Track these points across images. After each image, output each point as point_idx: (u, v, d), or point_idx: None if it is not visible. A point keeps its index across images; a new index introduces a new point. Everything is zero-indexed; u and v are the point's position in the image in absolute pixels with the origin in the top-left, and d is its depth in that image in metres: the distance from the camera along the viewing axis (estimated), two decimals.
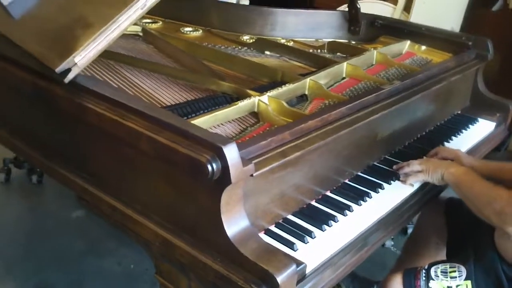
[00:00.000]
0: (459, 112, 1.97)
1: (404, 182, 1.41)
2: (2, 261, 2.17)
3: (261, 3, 2.27)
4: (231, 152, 0.93)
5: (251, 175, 0.99)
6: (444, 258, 1.55)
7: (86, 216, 2.43)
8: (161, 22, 2.20)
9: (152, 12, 2.23)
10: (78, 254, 2.21)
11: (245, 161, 0.97)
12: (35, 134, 1.44)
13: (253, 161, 1.01)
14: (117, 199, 1.18)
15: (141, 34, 2.00)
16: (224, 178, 0.93)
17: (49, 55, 1.19)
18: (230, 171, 0.92)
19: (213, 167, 0.92)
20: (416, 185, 1.42)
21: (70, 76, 1.15)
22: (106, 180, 1.22)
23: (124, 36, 1.94)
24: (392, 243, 2.41)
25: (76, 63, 1.15)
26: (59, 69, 1.14)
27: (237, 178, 0.94)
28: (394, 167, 1.46)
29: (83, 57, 1.15)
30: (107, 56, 1.66)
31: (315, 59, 1.86)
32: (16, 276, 2.08)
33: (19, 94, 1.43)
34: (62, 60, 1.15)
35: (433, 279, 1.27)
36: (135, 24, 2.01)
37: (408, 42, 2.10)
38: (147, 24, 2.13)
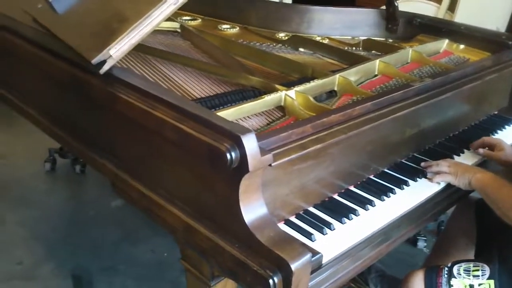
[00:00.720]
0: (495, 112, 1.92)
1: (430, 180, 1.40)
2: (44, 244, 2.30)
3: (304, 1, 2.30)
4: (250, 142, 0.96)
5: (270, 165, 1.02)
6: (473, 258, 1.53)
7: (124, 206, 2.53)
8: (200, 20, 2.26)
9: (192, 10, 2.30)
10: (114, 241, 2.31)
11: (263, 151, 1.00)
12: (73, 122, 1.52)
13: (273, 152, 1.04)
14: (145, 185, 1.23)
15: (179, 30, 2.06)
16: (242, 167, 0.97)
17: (87, 47, 1.26)
18: (248, 160, 0.95)
19: (231, 155, 0.95)
20: (443, 184, 1.41)
21: (105, 67, 1.21)
22: (135, 166, 1.28)
23: (163, 32, 2.03)
24: (425, 244, 2.39)
25: (111, 55, 1.21)
26: (95, 60, 1.21)
27: (254, 167, 0.97)
28: (422, 164, 1.46)
29: (117, 50, 1.21)
30: (144, 50, 1.74)
31: (347, 56, 1.87)
32: (55, 259, 2.20)
33: (60, 85, 1.51)
34: (98, 52, 1.21)
35: (455, 277, 1.27)
36: (174, 21, 2.09)
37: (446, 40, 2.08)
38: (186, 21, 2.20)
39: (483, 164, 1.59)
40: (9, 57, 1.75)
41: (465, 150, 1.60)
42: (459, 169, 1.39)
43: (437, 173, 1.41)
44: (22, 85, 1.79)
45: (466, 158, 1.57)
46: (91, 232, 2.38)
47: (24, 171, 2.85)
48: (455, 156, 1.56)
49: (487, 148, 1.58)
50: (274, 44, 2.02)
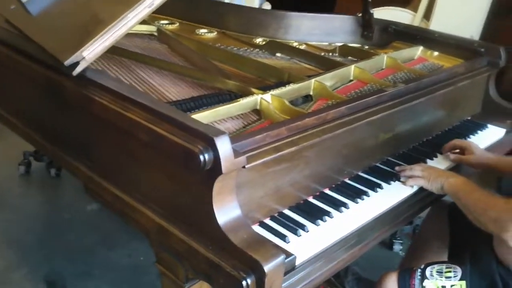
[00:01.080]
0: (469, 118, 1.96)
1: (404, 183, 1.42)
2: (18, 248, 2.26)
3: (283, 7, 2.32)
4: (223, 143, 0.96)
5: (243, 167, 1.02)
6: (446, 260, 1.55)
7: (100, 210, 2.50)
8: (178, 24, 2.26)
9: (170, 14, 2.30)
10: (89, 246, 2.28)
11: (237, 153, 1.00)
12: (48, 125, 1.51)
13: (247, 154, 1.05)
14: (118, 187, 1.23)
15: (156, 34, 2.06)
16: (215, 169, 0.97)
17: (60, 49, 1.25)
18: (221, 162, 0.96)
19: (205, 157, 0.96)
20: (416, 187, 1.43)
21: (78, 69, 1.21)
22: (109, 169, 1.27)
23: (140, 35, 2.03)
24: (401, 247, 2.42)
25: (84, 57, 1.21)
26: (68, 62, 1.20)
27: (228, 169, 0.97)
28: (396, 168, 1.48)
29: (91, 51, 1.21)
30: (120, 53, 1.73)
31: (323, 62, 1.89)
32: (28, 264, 2.16)
33: (34, 87, 1.49)
34: (71, 54, 1.21)
35: (427, 278, 1.29)
36: (151, 24, 2.09)
37: (421, 47, 2.12)
38: (164, 25, 2.20)
39: (456, 167, 1.61)
40: None
41: (438, 155, 1.63)
42: (432, 174, 1.41)
43: (410, 177, 1.43)
44: None
45: (439, 162, 1.59)
46: (66, 236, 2.35)
47: None
48: (428, 160, 1.58)
49: (458, 151, 1.61)
50: (252, 49, 2.03)
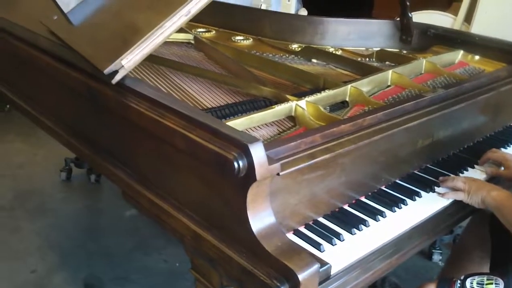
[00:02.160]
0: (511, 124, 1.90)
1: (441, 195, 1.38)
2: (58, 253, 2.32)
3: (320, 13, 2.31)
4: (257, 150, 0.96)
5: (278, 174, 1.01)
6: (487, 271, 1.50)
7: (138, 215, 2.54)
8: (214, 31, 2.29)
9: (207, 22, 2.33)
10: (127, 251, 2.32)
11: (271, 160, 1.00)
12: (87, 132, 1.54)
13: (281, 161, 1.04)
14: (154, 194, 1.24)
15: (193, 42, 2.08)
16: (249, 175, 0.97)
17: (100, 58, 1.28)
18: (256, 169, 0.95)
19: (239, 164, 0.96)
20: None
21: (117, 77, 1.23)
22: (146, 175, 1.29)
23: (178, 43, 2.06)
24: (441, 257, 2.35)
25: (123, 66, 1.23)
26: (107, 70, 1.23)
27: (262, 175, 0.97)
28: (440, 178, 1.43)
29: (129, 60, 1.23)
30: (158, 61, 1.77)
31: (360, 67, 1.87)
32: (68, 268, 2.22)
33: (75, 95, 1.53)
34: (111, 62, 1.23)
35: None
36: (188, 32, 2.11)
37: (461, 51, 2.06)
38: (201, 33, 2.22)
39: (495, 178, 1.55)
40: (25, 68, 1.79)
41: (479, 162, 1.58)
42: (473, 186, 1.35)
43: (452, 188, 1.38)
44: (37, 96, 1.82)
45: (480, 170, 1.54)
46: (105, 241, 2.40)
47: (41, 181, 2.90)
48: (469, 168, 1.54)
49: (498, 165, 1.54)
50: (287, 55, 2.02)
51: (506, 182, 1.52)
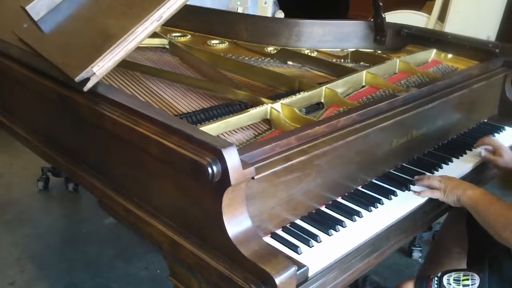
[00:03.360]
0: (485, 120, 1.93)
1: (418, 194, 1.38)
2: (37, 263, 2.28)
3: (296, 15, 2.32)
4: (231, 155, 0.96)
5: (252, 178, 1.01)
6: (465, 267, 1.52)
7: (117, 223, 2.52)
8: (189, 36, 2.28)
9: (182, 26, 2.32)
10: (107, 259, 2.30)
11: (245, 164, 1.00)
12: (61, 141, 1.53)
13: (256, 165, 1.04)
14: (131, 201, 1.23)
15: (168, 47, 2.07)
16: (224, 180, 0.96)
17: (71, 65, 1.27)
18: (230, 173, 0.95)
19: (213, 169, 0.95)
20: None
21: (89, 85, 1.22)
22: (121, 183, 1.28)
23: (152, 48, 2.05)
24: (420, 254, 2.38)
25: (94, 73, 1.22)
26: (78, 78, 1.21)
27: (236, 180, 0.97)
28: (415, 177, 1.44)
29: (101, 67, 1.22)
30: (132, 67, 1.75)
31: (335, 68, 1.88)
32: (48, 278, 2.18)
33: (47, 104, 1.51)
34: (82, 70, 1.22)
35: (445, 287, 1.25)
36: (163, 37, 2.10)
37: (434, 50, 2.09)
38: (176, 38, 2.21)
39: (482, 165, 1.60)
40: None
41: (454, 159, 1.60)
42: (449, 185, 1.36)
43: (428, 186, 1.39)
44: (10, 105, 1.79)
45: (455, 167, 1.56)
46: (84, 249, 2.37)
47: (18, 191, 2.86)
48: (443, 165, 1.56)
49: (491, 148, 1.59)
50: (263, 58, 2.03)
51: (494, 169, 1.59)
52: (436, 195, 1.37)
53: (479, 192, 1.32)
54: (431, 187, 1.39)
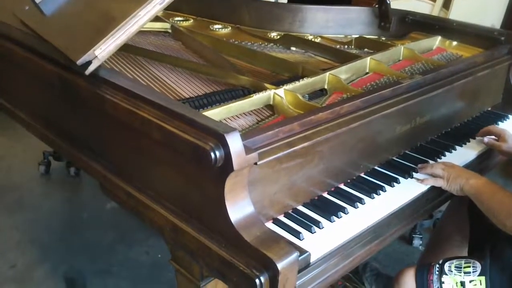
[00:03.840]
0: (489, 109, 1.92)
1: (421, 182, 1.38)
2: (38, 247, 2.29)
3: (300, 1, 2.30)
4: (234, 140, 0.95)
5: (255, 164, 1.01)
6: (466, 255, 1.52)
7: (119, 208, 2.52)
8: (192, 20, 2.26)
9: (185, 10, 2.30)
10: (108, 243, 2.31)
11: (248, 149, 0.99)
12: (63, 125, 1.52)
13: (259, 150, 1.04)
14: (132, 186, 1.23)
15: (170, 31, 2.05)
16: (227, 165, 0.96)
17: (72, 48, 1.25)
18: (233, 159, 0.95)
19: (216, 154, 0.95)
20: None
21: (91, 68, 1.20)
22: (123, 167, 1.27)
23: (155, 33, 2.03)
24: (421, 242, 2.38)
25: (96, 56, 1.20)
26: (80, 61, 1.20)
27: (239, 165, 0.96)
28: (419, 165, 1.43)
29: (103, 50, 1.20)
30: (134, 51, 1.74)
31: (338, 54, 1.86)
32: (49, 262, 2.19)
33: (49, 87, 1.50)
34: (83, 53, 1.20)
35: (446, 274, 1.26)
36: (165, 21, 2.09)
37: (439, 37, 2.07)
38: (178, 22, 2.19)
39: (486, 153, 1.60)
40: None
41: (457, 147, 1.59)
42: (452, 173, 1.36)
43: (431, 174, 1.39)
44: (11, 88, 1.78)
45: (458, 155, 1.56)
46: (85, 234, 2.38)
47: (19, 174, 2.86)
48: (447, 153, 1.55)
49: (493, 136, 1.59)
50: (266, 44, 2.01)
51: (499, 156, 1.59)
52: (439, 183, 1.36)
53: (482, 181, 1.32)
54: (434, 175, 1.38)
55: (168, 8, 1.25)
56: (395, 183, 1.35)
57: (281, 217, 1.17)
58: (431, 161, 1.48)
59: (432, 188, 1.39)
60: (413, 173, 1.41)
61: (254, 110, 1.37)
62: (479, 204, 1.30)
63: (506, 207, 1.21)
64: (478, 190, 1.30)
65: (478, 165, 1.58)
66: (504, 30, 1.95)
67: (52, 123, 1.57)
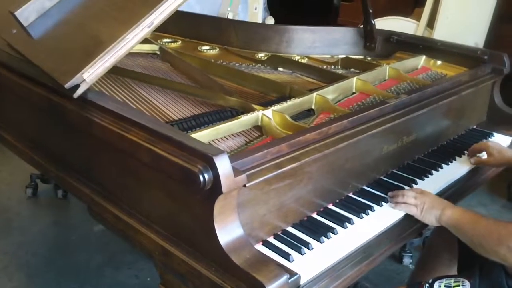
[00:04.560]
0: (474, 126, 1.94)
1: (394, 207, 1.34)
2: (26, 271, 2.26)
3: (287, 21, 2.33)
4: (222, 162, 0.96)
5: (244, 186, 1.01)
6: (456, 274, 1.52)
7: (107, 230, 2.49)
8: (180, 41, 2.27)
9: (173, 32, 2.32)
10: (97, 266, 2.28)
11: (237, 171, 0.99)
12: (51, 148, 1.51)
13: (247, 172, 1.04)
14: (120, 209, 1.22)
15: (158, 52, 2.07)
16: (215, 188, 0.96)
17: (60, 72, 1.26)
18: (221, 181, 0.95)
19: (204, 177, 0.95)
20: None
21: (79, 91, 1.21)
22: (111, 190, 1.27)
23: (143, 54, 2.04)
24: (411, 260, 2.38)
25: (84, 79, 1.21)
26: (68, 84, 1.20)
27: (228, 188, 0.96)
28: (389, 194, 1.37)
29: (91, 73, 1.21)
30: (122, 73, 1.74)
31: (325, 75, 1.88)
32: (37, 286, 2.16)
33: (37, 110, 1.50)
34: (72, 76, 1.21)
35: None
36: (153, 43, 2.10)
37: (424, 57, 2.11)
38: (167, 44, 2.21)
39: (473, 170, 1.63)
40: None
41: (444, 166, 1.61)
42: (425, 203, 1.30)
43: (403, 203, 1.33)
44: None
45: (445, 174, 1.57)
46: (74, 257, 2.35)
47: (6, 198, 2.82)
48: (434, 172, 1.56)
49: (480, 154, 1.63)
50: (254, 64, 2.03)
51: (490, 168, 1.63)
52: (412, 211, 1.31)
53: (459, 210, 1.27)
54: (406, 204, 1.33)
55: (156, 29, 1.26)
56: (383, 203, 1.36)
57: (271, 239, 1.17)
58: (418, 179, 1.49)
59: None
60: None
61: (243, 131, 1.38)
62: (461, 236, 1.26)
63: (495, 235, 1.15)
64: (457, 221, 1.25)
65: (466, 182, 1.59)
66: (487, 50, 1.99)
67: (39, 145, 1.57)
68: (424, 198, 1.31)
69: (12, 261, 2.32)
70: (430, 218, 1.29)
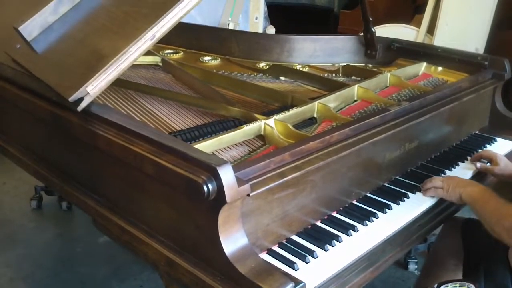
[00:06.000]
0: (476, 132, 1.95)
1: (424, 194, 1.45)
2: (31, 284, 2.26)
3: (287, 30, 2.34)
4: (226, 173, 0.96)
5: (248, 195, 1.02)
6: (461, 278, 1.52)
7: (112, 242, 2.50)
8: (182, 53, 2.29)
9: (175, 43, 2.33)
10: (103, 278, 2.28)
11: (241, 181, 1.00)
12: (55, 160, 1.52)
13: (251, 182, 1.05)
14: (125, 221, 1.23)
15: (161, 64, 2.08)
16: (219, 198, 0.97)
17: (64, 85, 1.27)
18: (225, 191, 0.96)
19: (208, 187, 0.96)
20: (426, 205, 1.42)
21: (83, 104, 1.22)
22: (116, 202, 1.28)
23: (145, 66, 2.05)
24: (416, 266, 2.38)
25: (88, 93, 1.22)
26: (72, 98, 1.22)
27: (232, 198, 0.97)
28: (421, 184, 1.48)
29: (94, 86, 1.22)
30: (125, 85, 1.76)
31: (327, 83, 1.90)
32: None
33: (41, 124, 1.51)
34: (75, 90, 1.22)
35: None
36: (156, 55, 2.12)
37: (424, 64, 2.12)
38: (169, 55, 2.23)
39: (476, 176, 1.64)
40: None
41: (447, 171, 1.61)
42: (451, 184, 1.41)
43: (432, 187, 1.44)
44: (2, 124, 1.79)
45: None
46: (79, 269, 2.35)
47: (11, 210, 2.83)
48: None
49: (487, 162, 1.66)
50: (255, 74, 2.04)
51: (492, 177, 1.65)
52: (439, 193, 1.42)
53: (479, 188, 1.37)
54: (434, 187, 1.44)
55: (158, 41, 1.27)
56: (387, 209, 1.36)
57: (275, 248, 1.17)
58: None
59: (424, 213, 1.40)
60: (405, 199, 1.42)
61: (246, 140, 1.39)
62: (474, 211, 1.35)
63: (496, 214, 1.25)
64: (474, 198, 1.35)
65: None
66: (487, 55, 1.99)
67: (44, 158, 1.58)
68: (450, 180, 1.43)
69: (17, 273, 2.32)
70: (455, 196, 1.39)
